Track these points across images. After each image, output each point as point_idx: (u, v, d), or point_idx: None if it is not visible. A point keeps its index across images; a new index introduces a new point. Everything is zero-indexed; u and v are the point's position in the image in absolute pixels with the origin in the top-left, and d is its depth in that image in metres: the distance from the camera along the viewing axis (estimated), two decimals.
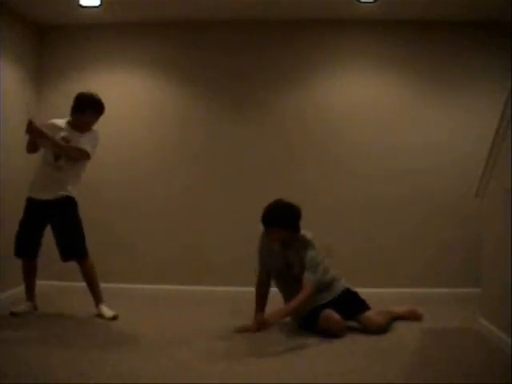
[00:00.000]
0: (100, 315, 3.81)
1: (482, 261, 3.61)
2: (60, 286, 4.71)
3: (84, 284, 3.90)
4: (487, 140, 3.49)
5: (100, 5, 4.38)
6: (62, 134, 3.79)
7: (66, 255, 3.83)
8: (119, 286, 4.65)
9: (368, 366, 2.86)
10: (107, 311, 3.81)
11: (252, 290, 4.58)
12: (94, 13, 4.53)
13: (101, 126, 4.79)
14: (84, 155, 3.79)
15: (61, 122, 3.90)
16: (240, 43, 4.80)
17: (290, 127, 4.77)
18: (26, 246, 3.83)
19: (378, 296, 4.48)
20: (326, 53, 4.77)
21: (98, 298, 3.88)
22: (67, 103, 4.81)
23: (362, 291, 4.52)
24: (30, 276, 3.91)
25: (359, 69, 4.81)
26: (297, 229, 3.57)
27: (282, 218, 3.51)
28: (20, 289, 4.19)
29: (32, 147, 3.84)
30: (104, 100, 4.80)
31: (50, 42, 4.86)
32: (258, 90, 4.79)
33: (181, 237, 4.78)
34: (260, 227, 3.57)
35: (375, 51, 4.76)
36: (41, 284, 4.71)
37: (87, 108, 3.83)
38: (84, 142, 3.79)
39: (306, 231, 3.61)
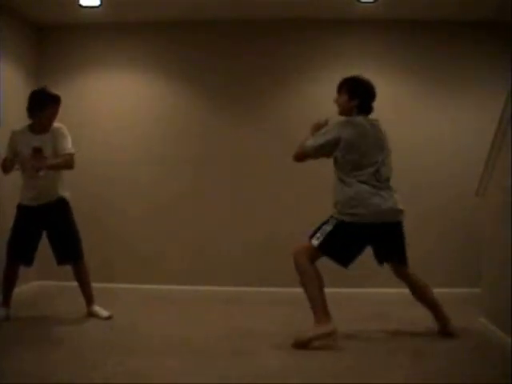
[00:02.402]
0: (94, 315, 3.80)
1: (482, 261, 3.61)
2: (60, 286, 4.70)
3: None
4: (486, 140, 3.50)
5: (100, 5, 4.38)
6: (33, 143, 3.60)
7: (61, 259, 3.79)
8: (120, 286, 4.66)
9: (367, 366, 2.87)
10: (101, 310, 3.81)
11: (251, 290, 4.61)
12: (93, 13, 4.53)
13: (100, 125, 4.82)
14: (73, 158, 3.74)
15: (20, 129, 3.71)
16: (240, 43, 4.80)
17: (290, 127, 4.75)
18: (24, 253, 3.75)
19: (378, 296, 4.50)
20: (325, 53, 4.77)
21: (91, 299, 3.87)
22: (66, 103, 4.83)
23: (362, 291, 4.56)
24: (13, 281, 3.79)
25: (359, 68, 4.74)
26: (356, 101, 3.35)
27: (346, 81, 3.44)
28: (17, 290, 4.18)
29: (10, 169, 3.72)
30: (103, 99, 4.84)
31: (50, 42, 4.86)
32: (258, 90, 4.78)
33: (180, 236, 4.78)
34: None
35: (375, 51, 4.76)
36: (41, 284, 4.75)
37: (47, 102, 3.64)
38: (65, 143, 3.70)
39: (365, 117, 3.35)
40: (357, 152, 3.23)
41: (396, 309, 4.16)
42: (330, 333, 3.13)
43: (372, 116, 3.84)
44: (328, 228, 3.25)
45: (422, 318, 3.81)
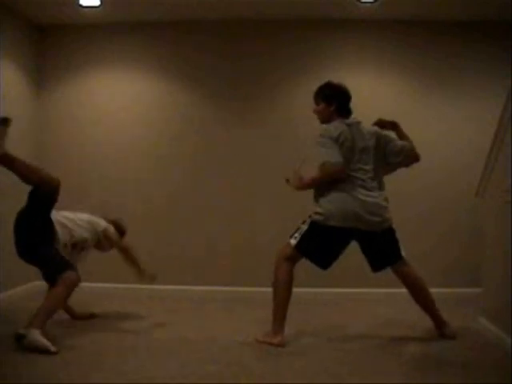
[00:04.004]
0: (33, 343, 2.90)
1: (482, 261, 3.61)
2: None
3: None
4: (486, 140, 3.50)
5: (100, 5, 4.38)
6: None
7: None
8: (119, 286, 4.66)
9: (367, 366, 2.87)
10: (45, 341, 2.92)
11: (253, 290, 4.61)
12: (94, 13, 4.53)
13: (101, 124, 4.82)
14: None
15: None
16: (239, 43, 4.80)
17: (290, 127, 4.77)
18: None
19: (378, 296, 4.50)
20: (325, 53, 4.78)
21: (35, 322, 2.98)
22: (67, 103, 4.86)
23: (362, 291, 4.56)
24: None
25: (359, 68, 4.81)
26: (334, 106, 3.32)
27: (320, 89, 3.42)
28: (20, 289, 4.20)
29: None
30: (103, 99, 4.85)
31: (50, 42, 4.87)
32: (258, 90, 4.79)
33: (180, 236, 4.78)
34: None
35: (375, 51, 4.76)
36: (41, 284, 4.72)
37: None
38: None
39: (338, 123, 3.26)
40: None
41: (396, 309, 4.16)
42: (277, 345, 3.17)
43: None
44: (304, 227, 3.26)
45: (422, 318, 3.81)
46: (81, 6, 4.38)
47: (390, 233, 3.31)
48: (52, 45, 4.87)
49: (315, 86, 4.75)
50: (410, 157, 3.41)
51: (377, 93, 4.76)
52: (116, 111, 4.84)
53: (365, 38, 4.77)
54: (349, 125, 3.28)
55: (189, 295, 4.59)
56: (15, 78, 4.51)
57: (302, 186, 3.30)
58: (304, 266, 3.34)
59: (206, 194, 4.77)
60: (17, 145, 4.48)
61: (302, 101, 4.77)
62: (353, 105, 4.68)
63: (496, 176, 3.40)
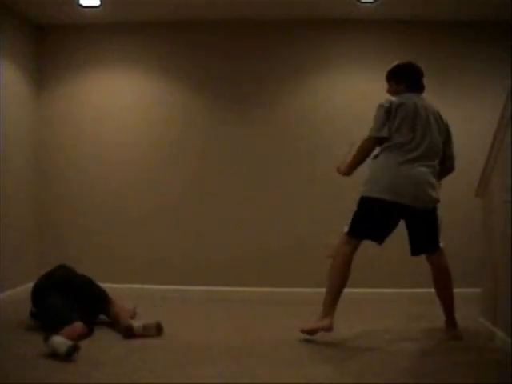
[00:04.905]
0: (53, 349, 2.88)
1: (482, 261, 3.61)
2: None
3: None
4: (486, 140, 3.50)
5: (100, 5, 4.38)
6: None
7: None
8: (120, 287, 4.66)
9: (367, 366, 2.87)
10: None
11: (253, 290, 4.61)
12: (94, 13, 4.53)
13: (101, 124, 4.82)
14: None
15: None
16: (240, 43, 4.79)
17: (290, 127, 4.77)
18: None
19: (378, 296, 4.50)
20: (325, 53, 4.78)
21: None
22: (67, 103, 4.86)
23: (362, 291, 4.56)
24: None
25: (359, 68, 4.81)
26: (404, 84, 3.42)
27: (389, 71, 3.53)
28: (20, 289, 4.20)
29: None
30: (104, 99, 4.84)
31: (50, 42, 4.87)
32: (258, 90, 4.78)
33: (181, 236, 4.78)
34: None
35: (375, 51, 4.76)
36: None
37: None
38: None
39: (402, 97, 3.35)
40: (390, 124, 3.30)
41: (396, 309, 4.16)
42: (326, 328, 3.23)
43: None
44: (355, 208, 3.32)
45: (422, 318, 3.82)
46: (81, 5, 4.37)
47: (433, 215, 3.33)
48: (52, 45, 4.87)
49: (315, 85, 4.81)
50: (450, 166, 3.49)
51: (377, 93, 4.73)
52: (116, 111, 4.84)
53: (365, 38, 4.76)
54: (423, 98, 3.38)
55: (189, 295, 4.59)
56: (15, 78, 4.51)
57: (346, 170, 3.41)
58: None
59: (206, 194, 4.77)
60: (17, 145, 4.49)
61: (302, 100, 4.77)
62: (352, 104, 4.74)
63: (496, 176, 3.40)
